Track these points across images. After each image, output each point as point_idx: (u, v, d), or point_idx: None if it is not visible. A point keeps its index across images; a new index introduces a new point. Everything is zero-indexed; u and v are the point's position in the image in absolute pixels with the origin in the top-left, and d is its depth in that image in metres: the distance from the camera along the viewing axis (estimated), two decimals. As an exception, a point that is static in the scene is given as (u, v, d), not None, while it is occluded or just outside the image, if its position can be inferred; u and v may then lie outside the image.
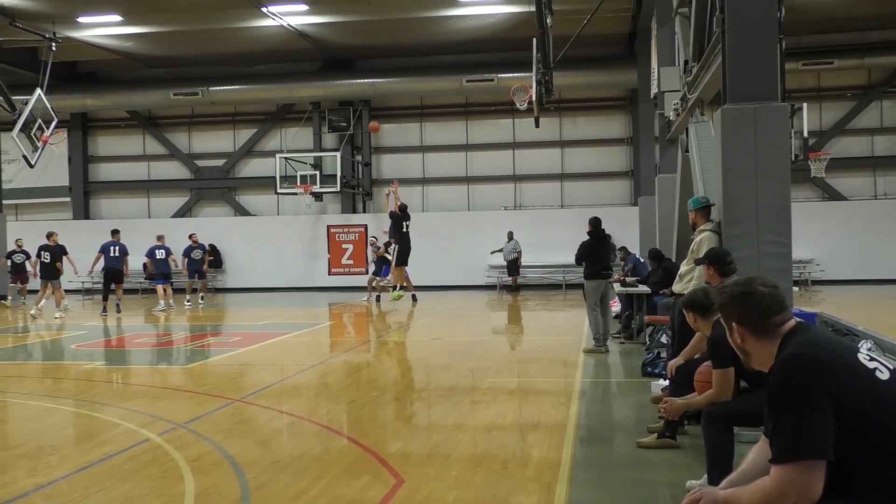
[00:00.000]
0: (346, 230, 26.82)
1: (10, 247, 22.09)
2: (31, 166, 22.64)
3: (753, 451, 3.00)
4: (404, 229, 18.47)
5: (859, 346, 2.71)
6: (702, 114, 11.23)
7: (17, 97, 21.98)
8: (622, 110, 26.93)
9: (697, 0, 10.22)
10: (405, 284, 18.93)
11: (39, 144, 21.85)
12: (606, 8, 18.68)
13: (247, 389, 9.36)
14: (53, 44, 21.95)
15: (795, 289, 11.30)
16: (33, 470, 6.08)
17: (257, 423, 7.75)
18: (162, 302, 20.07)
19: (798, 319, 2.81)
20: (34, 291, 19.55)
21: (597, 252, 11.71)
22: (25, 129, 21.31)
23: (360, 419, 7.82)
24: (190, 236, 21.64)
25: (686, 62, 11.77)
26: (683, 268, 8.34)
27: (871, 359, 2.63)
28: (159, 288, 20.43)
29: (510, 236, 24.59)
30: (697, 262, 7.38)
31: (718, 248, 7.04)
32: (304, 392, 9.43)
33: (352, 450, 6.52)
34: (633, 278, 13.81)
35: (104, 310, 18.72)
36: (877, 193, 25.20)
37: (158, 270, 20.56)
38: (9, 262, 21.46)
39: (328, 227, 26.97)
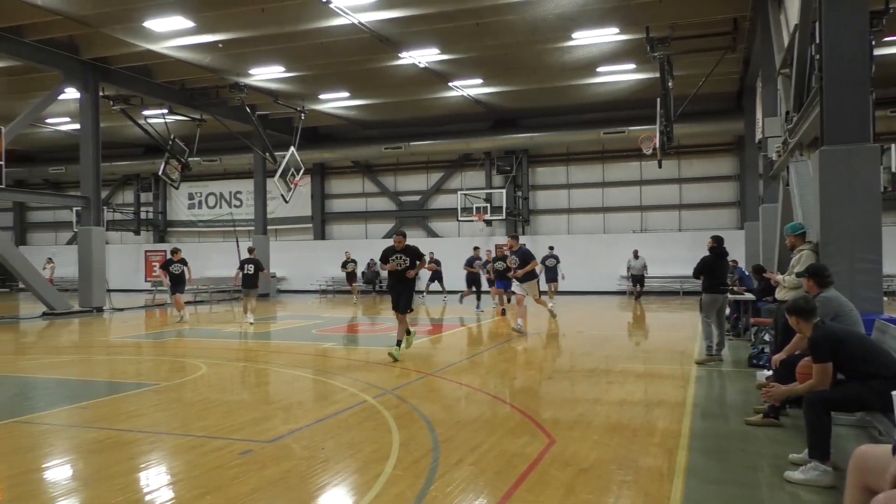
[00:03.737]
0: (509, 249, 26.77)
1: (275, 260, 23.69)
2: (286, 202, 24.04)
3: None
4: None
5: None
6: (801, 154, 10.41)
7: (278, 152, 23.52)
8: (730, 153, 25.45)
9: (797, 62, 9.55)
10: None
11: (292, 186, 23.18)
12: (718, 72, 17.82)
13: (436, 366, 9.52)
14: (302, 114, 23.38)
15: (885, 298, 10.22)
16: (287, 419, 6.41)
17: (444, 392, 7.83)
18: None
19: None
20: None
21: (716, 268, 9.83)
22: (282, 175, 22.69)
23: (521, 392, 7.76)
24: (429, 254, 22.81)
25: (787, 112, 11.01)
26: (785, 279, 7.76)
27: None
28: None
29: (636, 254, 22.61)
30: (799, 275, 6.85)
31: (817, 263, 6.51)
32: (478, 370, 9.45)
33: (514, 415, 6.48)
34: (742, 287, 13.03)
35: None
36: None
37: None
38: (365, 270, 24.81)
39: (495, 245, 26.99)
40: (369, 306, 21.75)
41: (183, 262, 16.83)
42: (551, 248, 20.60)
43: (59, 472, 5.01)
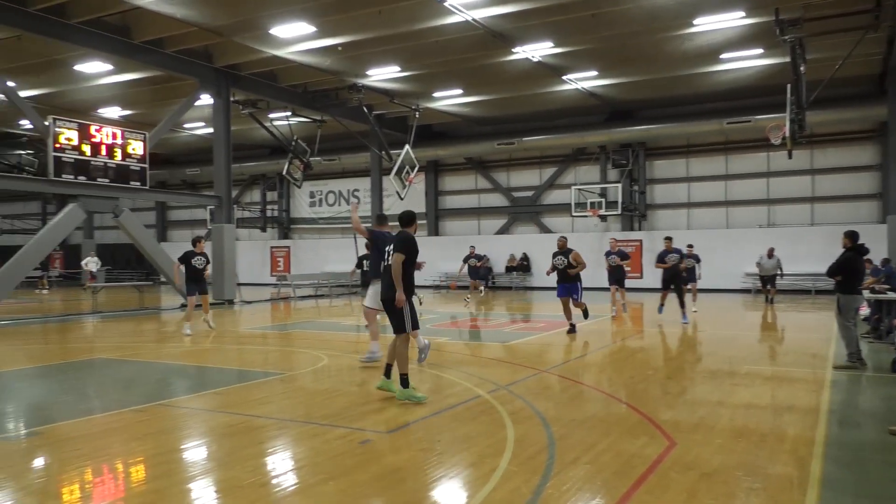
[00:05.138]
0: (625, 244, 26.05)
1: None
2: (401, 199, 24.52)
3: None
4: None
5: None
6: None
7: (393, 150, 24.09)
8: (870, 141, 23.50)
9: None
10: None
11: (407, 183, 23.66)
12: (857, 54, 16.48)
13: (549, 363, 9.44)
14: (417, 112, 23.80)
15: None
16: (404, 411, 6.57)
17: (557, 389, 7.76)
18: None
19: None
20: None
21: (858, 266, 8.84)
22: (398, 173, 23.20)
23: (638, 391, 7.54)
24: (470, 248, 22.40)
25: (938, 95, 10.01)
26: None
27: None
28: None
29: (770, 253, 19.95)
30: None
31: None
32: (592, 368, 9.31)
33: (631, 415, 6.32)
34: (885, 286, 12.01)
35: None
36: None
37: None
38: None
39: (611, 241, 26.35)
40: (482, 302, 21.85)
41: (205, 255, 13.42)
42: (690, 246, 17.72)
43: (197, 452, 5.40)
